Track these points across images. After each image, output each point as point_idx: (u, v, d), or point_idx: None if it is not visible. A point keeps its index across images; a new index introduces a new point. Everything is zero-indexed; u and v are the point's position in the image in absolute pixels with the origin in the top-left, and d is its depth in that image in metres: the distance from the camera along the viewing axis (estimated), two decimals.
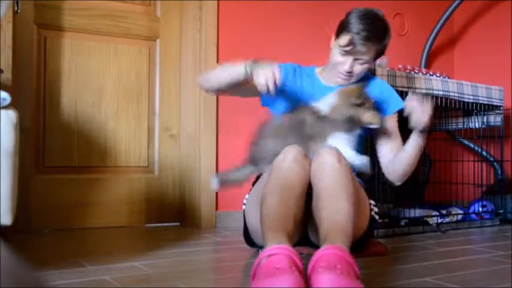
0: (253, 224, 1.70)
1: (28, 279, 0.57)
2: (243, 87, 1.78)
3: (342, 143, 1.66)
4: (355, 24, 1.75)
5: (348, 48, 1.76)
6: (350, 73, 1.81)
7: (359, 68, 1.82)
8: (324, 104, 1.71)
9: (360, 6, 1.84)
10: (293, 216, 1.40)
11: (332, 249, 1.21)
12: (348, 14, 1.81)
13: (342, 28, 1.79)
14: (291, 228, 1.38)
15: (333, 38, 1.85)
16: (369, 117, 1.68)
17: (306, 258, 1.29)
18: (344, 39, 1.76)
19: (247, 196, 1.86)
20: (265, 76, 1.59)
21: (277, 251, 1.20)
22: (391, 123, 1.92)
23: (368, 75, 1.99)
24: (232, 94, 1.96)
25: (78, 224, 2.47)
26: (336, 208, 1.40)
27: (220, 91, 1.88)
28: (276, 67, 1.61)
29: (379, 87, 1.96)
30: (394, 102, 1.95)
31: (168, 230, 2.53)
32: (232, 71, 1.72)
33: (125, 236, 2.38)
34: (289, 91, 1.88)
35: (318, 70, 1.99)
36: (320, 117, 1.68)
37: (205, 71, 1.77)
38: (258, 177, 1.87)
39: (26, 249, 1.94)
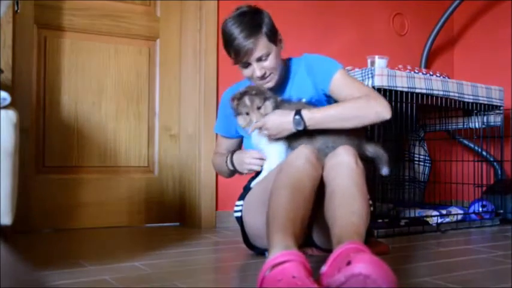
0: (256, 226, 1.69)
1: (28, 279, 0.57)
2: None
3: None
4: (230, 34, 1.69)
5: (240, 58, 1.70)
6: (264, 75, 1.73)
7: (268, 64, 1.73)
8: None
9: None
10: (301, 219, 1.36)
11: (355, 244, 1.17)
12: (222, 27, 1.75)
13: (224, 45, 1.74)
14: (299, 231, 1.33)
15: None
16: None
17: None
18: (232, 53, 1.72)
19: (237, 203, 1.84)
20: (249, 166, 1.78)
21: (290, 257, 1.14)
22: (337, 86, 1.75)
23: (289, 65, 1.88)
24: None
25: (78, 224, 2.47)
26: (352, 209, 1.36)
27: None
28: (250, 154, 1.78)
29: (303, 65, 1.85)
30: (326, 70, 1.78)
31: (168, 230, 2.53)
32: (224, 168, 1.89)
33: (125, 236, 2.38)
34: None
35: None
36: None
37: (213, 160, 2.08)
38: (250, 179, 1.87)
39: (26, 249, 1.94)
